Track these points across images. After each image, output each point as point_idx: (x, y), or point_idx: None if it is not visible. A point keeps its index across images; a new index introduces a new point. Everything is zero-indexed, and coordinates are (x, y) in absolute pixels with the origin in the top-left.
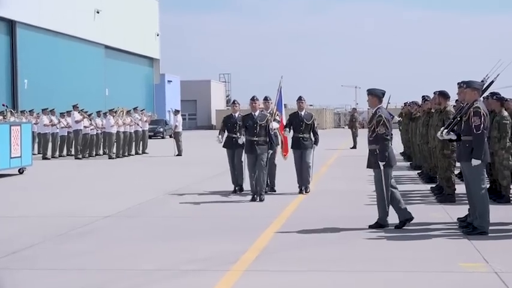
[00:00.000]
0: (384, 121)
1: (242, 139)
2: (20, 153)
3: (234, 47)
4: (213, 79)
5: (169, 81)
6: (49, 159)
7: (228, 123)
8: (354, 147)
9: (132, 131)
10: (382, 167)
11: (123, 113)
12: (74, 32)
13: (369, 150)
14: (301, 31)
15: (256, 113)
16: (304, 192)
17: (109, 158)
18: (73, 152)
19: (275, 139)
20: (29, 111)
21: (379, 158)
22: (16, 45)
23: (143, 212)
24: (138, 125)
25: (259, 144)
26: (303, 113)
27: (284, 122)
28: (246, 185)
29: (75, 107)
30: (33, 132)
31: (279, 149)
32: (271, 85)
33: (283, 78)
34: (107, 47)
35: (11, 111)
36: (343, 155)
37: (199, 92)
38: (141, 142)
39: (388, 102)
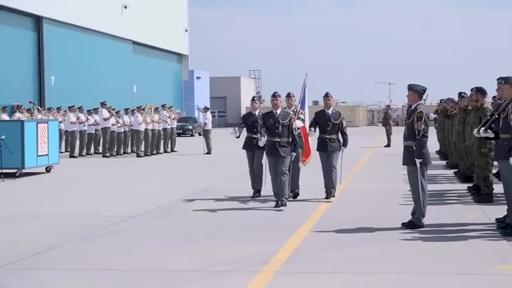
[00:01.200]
0: (424, 117)
1: (263, 141)
2: (47, 151)
3: (264, 42)
4: (242, 75)
5: (198, 78)
6: (76, 157)
7: (248, 122)
8: (388, 145)
9: (161, 128)
10: (418, 165)
11: (151, 110)
12: (101, 28)
13: (405, 146)
14: (334, 25)
15: (278, 111)
16: (329, 196)
17: (137, 156)
18: (100, 150)
19: (299, 140)
20: (56, 108)
21: (415, 154)
22: (43, 41)
23: (171, 211)
24: (166, 122)
25: (281, 145)
26: (330, 111)
27: (308, 122)
28: (267, 191)
29: (103, 104)
30: (60, 129)
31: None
32: (300, 81)
33: (307, 75)
34: (134, 42)
35: (38, 108)
36: (376, 154)
37: (229, 88)
38: (169, 140)
39: (424, 100)
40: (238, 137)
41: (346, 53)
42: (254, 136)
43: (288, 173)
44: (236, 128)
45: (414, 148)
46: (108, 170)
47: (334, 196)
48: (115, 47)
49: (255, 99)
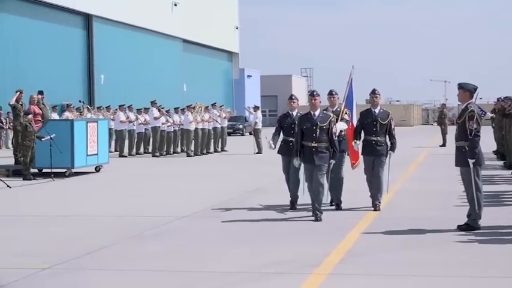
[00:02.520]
0: (476, 116)
1: (297, 162)
2: (96, 151)
3: (316, 40)
4: (294, 73)
5: (248, 76)
6: (126, 156)
7: (284, 124)
8: (443, 145)
9: (211, 127)
10: (471, 165)
11: (201, 109)
12: (151, 26)
13: (457, 147)
14: (388, 22)
15: (317, 112)
16: (375, 209)
17: (187, 156)
18: (150, 150)
19: (344, 143)
20: (106, 107)
21: (468, 155)
22: (93, 39)
23: (221, 212)
24: (216, 121)
25: (319, 151)
26: (377, 111)
27: (355, 122)
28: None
29: (153, 103)
30: (109, 129)
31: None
32: (355, 80)
33: (354, 68)
34: (184, 40)
35: (87, 107)
36: (431, 153)
37: (280, 87)
38: (219, 139)
39: (480, 98)
40: (273, 148)
41: (401, 51)
42: (291, 139)
43: (324, 183)
44: (271, 141)
45: (467, 148)
46: (157, 170)
47: (379, 209)
48: (165, 45)
49: (293, 97)
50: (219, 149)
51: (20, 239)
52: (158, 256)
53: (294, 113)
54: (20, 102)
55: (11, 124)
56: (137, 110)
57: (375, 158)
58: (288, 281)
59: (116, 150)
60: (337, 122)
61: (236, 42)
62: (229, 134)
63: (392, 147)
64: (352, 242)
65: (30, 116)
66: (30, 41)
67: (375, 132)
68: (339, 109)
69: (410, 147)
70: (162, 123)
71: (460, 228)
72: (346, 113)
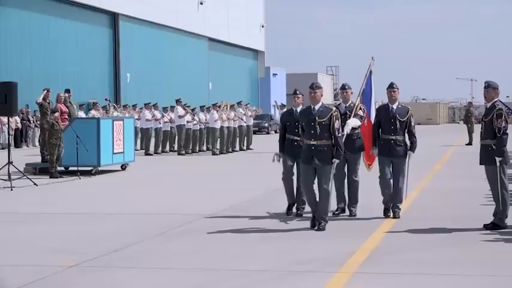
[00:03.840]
0: (504, 115)
1: (276, 157)
2: (122, 149)
3: (342, 38)
4: (320, 72)
5: (274, 75)
6: (151, 155)
7: (287, 122)
8: (470, 143)
9: (236, 126)
10: (498, 163)
11: (227, 108)
12: (177, 24)
13: (482, 145)
14: (414, 20)
15: (317, 107)
16: (392, 216)
17: (212, 154)
18: (176, 148)
19: (359, 142)
20: (132, 105)
21: (496, 153)
22: (119, 38)
23: (247, 210)
24: (242, 120)
25: (318, 151)
26: (395, 107)
27: (372, 118)
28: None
29: (178, 101)
30: (135, 127)
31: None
32: (380, 78)
33: (374, 60)
34: (210, 39)
35: (113, 105)
36: (458, 152)
37: (306, 85)
38: (245, 138)
39: (506, 96)
40: (279, 161)
41: (427, 49)
42: (296, 138)
43: (328, 187)
44: (278, 155)
45: (493, 147)
46: (183, 168)
47: (399, 217)
48: (191, 43)
49: (297, 92)
50: (245, 148)
51: (47, 237)
52: (184, 254)
53: (299, 109)
54: (47, 101)
55: (38, 122)
56: (163, 108)
57: (393, 160)
58: (313, 280)
59: (141, 149)
60: (350, 118)
61: (262, 41)
62: (254, 132)
63: (412, 147)
64: (377, 241)
65: (57, 114)
66: (57, 40)
67: (393, 130)
68: (352, 104)
69: (436, 145)
70: (188, 122)
71: (486, 227)
72: (360, 109)
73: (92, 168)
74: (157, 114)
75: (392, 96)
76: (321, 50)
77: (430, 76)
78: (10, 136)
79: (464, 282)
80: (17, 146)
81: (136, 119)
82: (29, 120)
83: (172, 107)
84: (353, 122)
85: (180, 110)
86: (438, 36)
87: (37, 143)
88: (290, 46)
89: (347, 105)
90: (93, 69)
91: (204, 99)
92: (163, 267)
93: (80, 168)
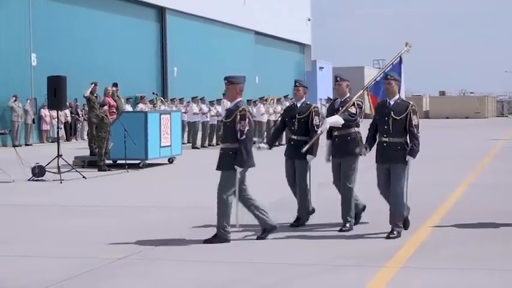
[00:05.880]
0: None
1: (261, 144)
2: (169, 143)
3: (388, 31)
4: (366, 65)
5: (321, 68)
6: (198, 148)
7: (286, 118)
8: None
9: None
10: None
11: (273, 101)
12: (223, 18)
13: None
14: (461, 13)
15: (299, 104)
16: (386, 236)
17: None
18: None
19: (352, 145)
20: (179, 99)
21: None
22: (166, 32)
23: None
24: None
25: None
26: (392, 102)
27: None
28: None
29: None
30: (182, 121)
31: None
32: (427, 71)
33: (410, 46)
34: (256, 33)
35: (161, 99)
36: (506, 146)
37: (353, 79)
38: None
39: None
40: (263, 148)
41: (475, 42)
42: (293, 137)
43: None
44: (260, 144)
45: None
46: None
47: (398, 235)
48: (237, 37)
49: (297, 84)
50: None
51: (95, 229)
52: (229, 247)
53: (299, 104)
54: (95, 95)
55: (87, 116)
56: (210, 102)
57: (390, 166)
58: (357, 275)
59: (188, 142)
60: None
61: (308, 34)
62: None
63: (412, 151)
64: (425, 236)
65: (105, 108)
66: (104, 34)
67: (386, 131)
68: (348, 99)
69: (484, 139)
70: None
71: None
72: (357, 105)
73: (139, 161)
74: (204, 108)
75: (387, 90)
76: (368, 43)
77: (479, 69)
78: (59, 130)
79: (508, 277)
80: (66, 139)
81: (183, 112)
82: (77, 114)
83: (218, 101)
84: (333, 120)
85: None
86: (487, 29)
87: (85, 137)
88: (337, 39)
89: (343, 99)
90: (141, 63)
91: (250, 93)
92: (208, 261)
93: (127, 162)
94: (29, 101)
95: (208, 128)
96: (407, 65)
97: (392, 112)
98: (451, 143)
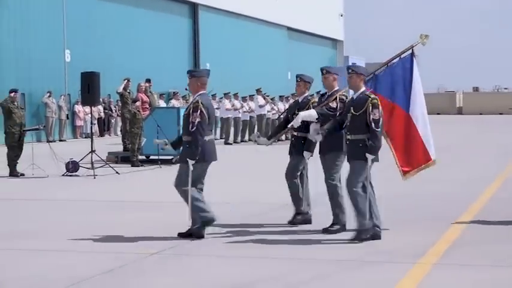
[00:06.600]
0: None
1: (260, 138)
2: None
3: (420, 26)
4: None
5: (353, 64)
6: (231, 144)
7: (289, 114)
8: None
9: None
10: None
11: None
12: (256, 14)
13: None
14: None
15: (300, 99)
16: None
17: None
18: None
19: (337, 140)
20: (212, 95)
21: None
22: (198, 28)
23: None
24: None
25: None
26: (355, 97)
27: (412, 114)
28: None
29: (258, 91)
30: (215, 116)
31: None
32: (460, 68)
33: (426, 39)
34: (289, 28)
35: None
36: None
37: None
38: None
39: None
40: (261, 143)
41: (509, 38)
42: (294, 134)
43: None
44: (258, 138)
45: None
46: (262, 157)
47: (357, 240)
48: (270, 33)
49: (297, 79)
50: None
51: (129, 225)
52: (261, 243)
53: (300, 99)
54: (128, 90)
55: (120, 112)
56: (242, 97)
57: (350, 163)
58: (389, 272)
59: (221, 138)
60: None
61: (341, 30)
62: None
63: (371, 149)
64: (457, 232)
65: (138, 104)
66: (137, 30)
67: (347, 127)
68: (335, 92)
69: None
70: (268, 111)
71: None
72: (339, 100)
73: (172, 157)
74: (237, 104)
75: (348, 83)
76: (400, 39)
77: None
78: (93, 125)
79: None
80: (100, 135)
81: (216, 108)
82: (111, 110)
83: (251, 96)
84: (306, 114)
85: (260, 100)
86: None
87: (119, 132)
88: (369, 35)
89: (330, 93)
90: (173, 59)
91: (283, 89)
92: (241, 256)
93: (160, 157)
94: (63, 97)
95: (241, 124)
96: (440, 60)
97: (352, 108)
98: (487, 139)
